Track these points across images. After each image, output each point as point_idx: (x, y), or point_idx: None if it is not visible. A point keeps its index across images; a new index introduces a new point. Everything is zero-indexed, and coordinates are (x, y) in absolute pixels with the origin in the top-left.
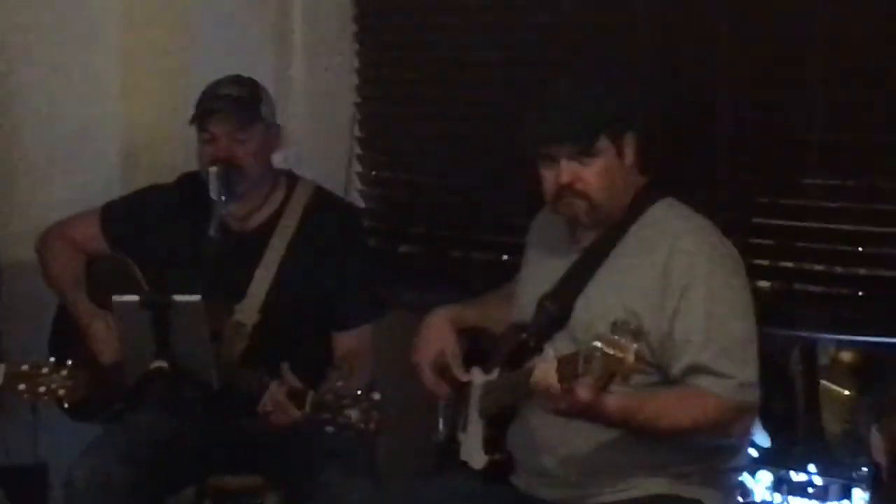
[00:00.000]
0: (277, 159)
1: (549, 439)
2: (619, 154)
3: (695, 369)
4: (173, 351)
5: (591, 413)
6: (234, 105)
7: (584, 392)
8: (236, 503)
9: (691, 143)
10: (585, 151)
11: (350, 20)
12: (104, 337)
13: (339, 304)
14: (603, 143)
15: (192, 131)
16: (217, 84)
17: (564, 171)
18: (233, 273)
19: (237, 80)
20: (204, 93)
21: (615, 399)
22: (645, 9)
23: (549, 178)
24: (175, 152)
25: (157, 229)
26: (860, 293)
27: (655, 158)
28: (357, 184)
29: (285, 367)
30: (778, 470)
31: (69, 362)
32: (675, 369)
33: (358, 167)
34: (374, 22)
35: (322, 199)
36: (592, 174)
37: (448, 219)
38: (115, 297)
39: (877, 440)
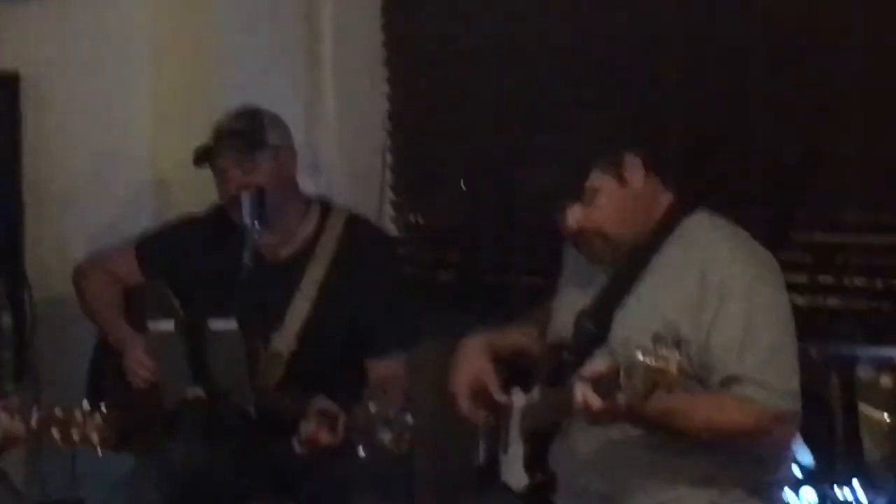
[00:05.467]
0: (308, 186)
1: (592, 457)
2: (622, 181)
3: (733, 379)
4: (210, 379)
5: (629, 415)
6: (231, 138)
7: (627, 402)
8: None
9: (727, 157)
10: (582, 195)
11: (380, 47)
12: (140, 361)
13: (375, 332)
14: (598, 179)
15: None
16: (219, 121)
17: (570, 217)
18: (269, 301)
19: (239, 113)
20: (211, 133)
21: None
22: (674, 23)
23: (562, 224)
24: (206, 182)
25: (192, 260)
26: None
27: (689, 174)
28: (389, 211)
29: (315, 401)
30: (822, 487)
31: (103, 407)
32: (714, 380)
33: (390, 194)
34: (404, 48)
35: (358, 227)
36: (599, 212)
37: (481, 244)
38: (151, 325)
39: None
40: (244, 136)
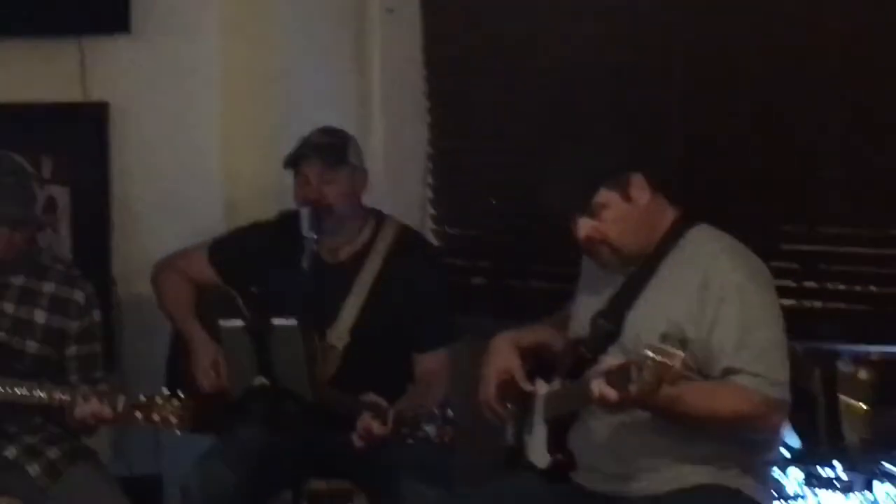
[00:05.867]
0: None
1: (606, 439)
2: (626, 198)
3: (731, 371)
4: (273, 369)
5: (641, 403)
6: (323, 150)
7: (637, 393)
8: None
9: (727, 179)
10: (590, 209)
11: (422, 83)
12: (205, 364)
13: (419, 329)
14: (604, 195)
15: (286, 179)
16: (311, 134)
17: (581, 228)
18: (326, 300)
19: (328, 130)
20: (299, 141)
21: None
22: (676, 57)
23: (573, 235)
24: (271, 198)
25: (258, 261)
26: (876, 310)
27: (692, 193)
28: (430, 224)
29: (369, 396)
30: (807, 466)
31: (180, 394)
32: (714, 373)
33: (430, 210)
34: (443, 85)
35: (407, 237)
36: (605, 225)
37: (509, 254)
38: (222, 322)
39: None
40: (331, 152)
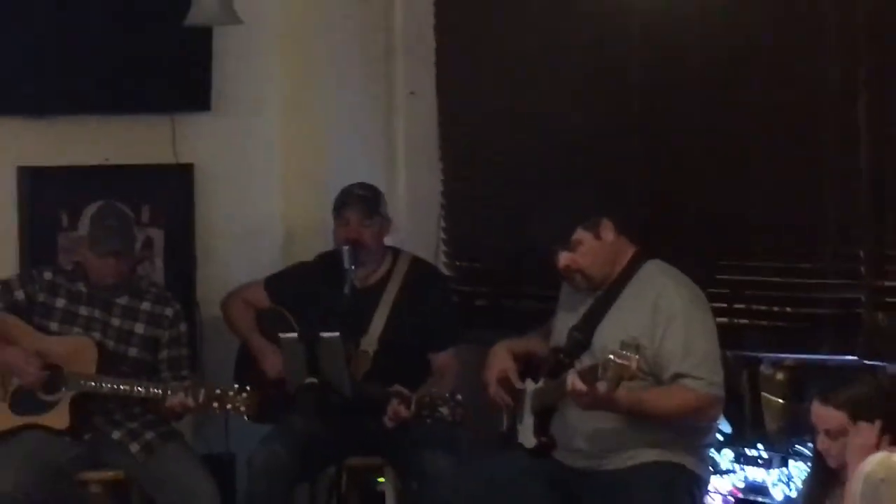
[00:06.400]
0: (388, 240)
1: (579, 426)
2: (597, 237)
3: (679, 375)
4: (320, 371)
5: (609, 404)
6: (362, 201)
7: (602, 389)
8: (364, 477)
9: (671, 224)
10: (568, 244)
11: (437, 147)
12: (272, 361)
13: (434, 335)
14: (580, 234)
15: (330, 224)
16: (352, 186)
17: (561, 259)
18: (358, 317)
19: (364, 185)
20: (342, 192)
21: (625, 393)
22: (637, 131)
23: (554, 264)
24: (319, 238)
25: (305, 291)
26: (790, 325)
27: (647, 234)
28: (443, 258)
29: (395, 387)
30: (736, 447)
31: (248, 387)
32: (665, 377)
33: (443, 247)
34: (453, 150)
35: (419, 265)
36: (580, 256)
37: (505, 281)
38: (281, 335)
39: (818, 407)
40: (368, 203)
